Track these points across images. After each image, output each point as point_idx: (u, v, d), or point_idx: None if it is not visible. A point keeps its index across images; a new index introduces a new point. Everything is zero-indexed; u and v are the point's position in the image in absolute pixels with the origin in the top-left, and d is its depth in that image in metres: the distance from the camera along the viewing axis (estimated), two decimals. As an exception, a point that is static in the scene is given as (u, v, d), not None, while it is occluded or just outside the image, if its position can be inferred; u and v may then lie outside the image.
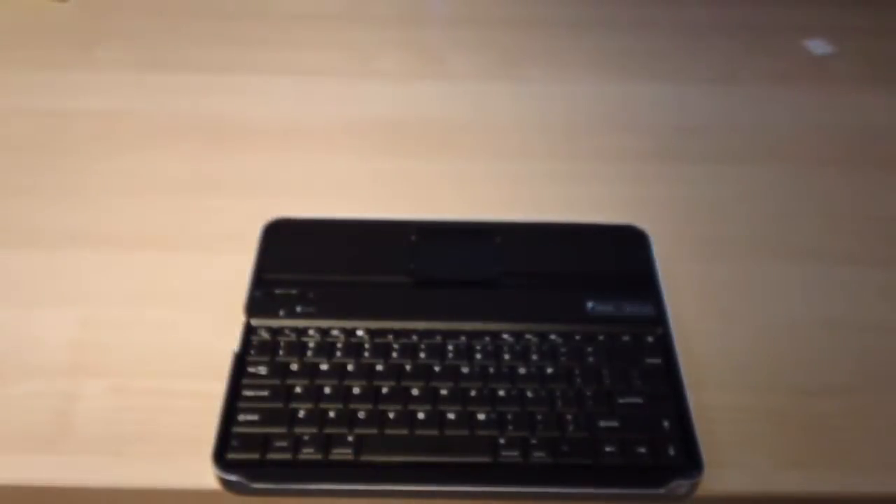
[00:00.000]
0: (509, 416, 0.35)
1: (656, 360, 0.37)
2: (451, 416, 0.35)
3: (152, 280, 0.42)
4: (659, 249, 0.43)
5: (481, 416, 0.35)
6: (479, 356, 0.37)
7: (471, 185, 0.49)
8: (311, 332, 0.38)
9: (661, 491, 0.33)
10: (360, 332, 0.38)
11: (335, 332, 0.38)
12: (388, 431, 0.34)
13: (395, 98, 0.55)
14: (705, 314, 0.42)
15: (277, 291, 0.39)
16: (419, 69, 0.58)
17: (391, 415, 0.35)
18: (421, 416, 0.35)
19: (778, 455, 0.36)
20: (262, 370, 0.36)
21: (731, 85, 0.58)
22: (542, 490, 0.34)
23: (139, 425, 0.35)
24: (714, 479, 0.34)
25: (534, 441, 0.34)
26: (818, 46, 0.62)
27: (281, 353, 0.37)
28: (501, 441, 0.34)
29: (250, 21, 0.61)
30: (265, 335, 0.38)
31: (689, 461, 0.34)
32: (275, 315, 0.38)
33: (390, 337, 0.38)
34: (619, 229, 0.44)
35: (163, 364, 0.38)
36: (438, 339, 0.38)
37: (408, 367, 0.37)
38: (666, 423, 0.35)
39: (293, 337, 0.37)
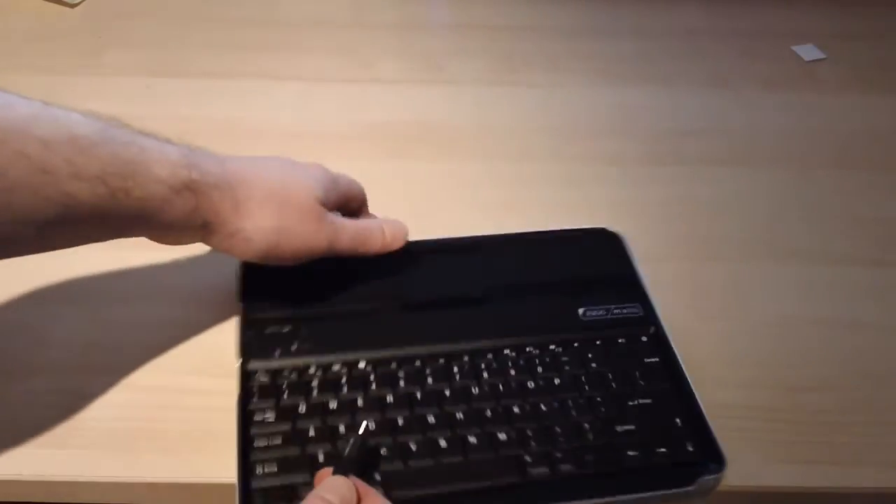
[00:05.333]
0: (529, 432, 0.34)
1: (654, 360, 0.37)
2: (472, 439, 0.34)
3: (160, 279, 0.42)
4: (653, 250, 0.44)
5: (502, 436, 0.34)
6: (486, 375, 0.36)
7: (471, 188, 0.49)
8: (311, 369, 0.36)
9: (692, 488, 0.33)
10: (361, 365, 0.36)
11: (336, 367, 0.36)
12: (413, 464, 0.33)
13: (396, 103, 0.56)
14: (699, 313, 0.42)
15: (268, 331, 0.37)
16: (420, 75, 0.59)
17: (413, 446, 0.34)
18: (443, 443, 0.34)
19: (769, 451, 0.36)
20: (270, 416, 0.34)
21: (724, 89, 0.59)
22: (579, 503, 0.33)
23: (147, 422, 0.36)
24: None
25: (558, 454, 0.34)
26: (808, 52, 0.63)
27: (285, 395, 0.35)
28: (527, 458, 0.33)
29: (255, 28, 0.62)
30: (264, 378, 0.36)
31: (710, 455, 0.34)
32: (270, 356, 0.36)
33: (393, 365, 0.36)
34: (591, 233, 0.44)
35: (170, 361, 0.38)
36: (442, 362, 0.37)
37: (418, 395, 0.35)
38: (678, 420, 0.35)
39: (294, 377, 0.36)
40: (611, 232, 0.44)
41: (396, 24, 0.64)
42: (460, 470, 0.33)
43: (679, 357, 0.38)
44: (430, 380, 0.36)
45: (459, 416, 0.35)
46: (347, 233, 0.37)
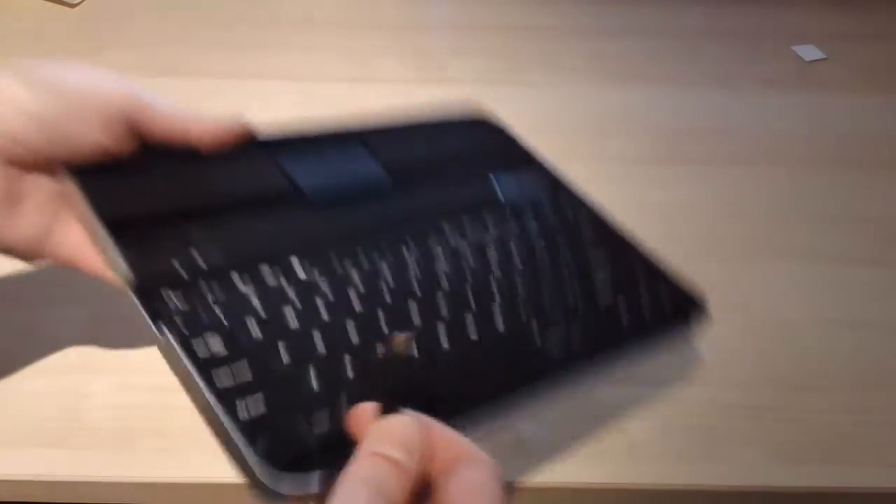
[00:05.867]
0: (521, 307, 0.31)
1: (587, 223, 0.37)
2: (470, 324, 0.29)
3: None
4: (653, 248, 0.44)
5: (498, 317, 0.30)
6: (441, 256, 0.32)
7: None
8: (236, 281, 0.27)
9: (690, 327, 0.33)
10: (298, 268, 0.29)
11: (269, 276, 0.28)
12: (425, 362, 0.27)
13: (396, 103, 0.56)
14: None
15: (148, 238, 0.28)
16: (420, 74, 0.58)
17: (414, 344, 0.28)
18: (443, 337, 0.28)
19: (769, 451, 0.36)
20: (217, 346, 0.25)
21: (725, 89, 0.59)
22: (597, 366, 0.30)
23: (147, 421, 0.36)
24: (706, 474, 0.35)
25: (564, 323, 0.31)
26: (808, 52, 0.63)
27: (222, 317, 0.26)
28: (537, 336, 0.30)
29: (254, 27, 0.62)
30: (178, 300, 0.26)
31: (687, 296, 0.34)
32: (170, 269, 0.27)
33: (335, 262, 0.30)
34: (464, 116, 0.42)
35: (170, 361, 0.39)
36: (388, 250, 0.31)
37: (385, 290, 0.29)
38: (640, 276, 0.34)
39: (219, 292, 0.27)
40: (481, 112, 0.42)
41: (396, 24, 0.64)
42: (473, 361, 0.28)
43: (606, 216, 0.37)
44: (387, 271, 0.30)
45: (442, 305, 0.30)
46: (156, 97, 0.30)
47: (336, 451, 0.23)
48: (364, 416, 0.22)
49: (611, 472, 0.35)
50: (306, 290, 0.29)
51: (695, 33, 0.64)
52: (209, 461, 0.34)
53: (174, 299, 0.27)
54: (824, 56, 0.62)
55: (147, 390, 0.37)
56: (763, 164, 0.52)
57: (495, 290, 0.31)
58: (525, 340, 0.30)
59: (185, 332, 0.26)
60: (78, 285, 0.42)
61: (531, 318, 0.30)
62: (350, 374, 0.26)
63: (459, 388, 0.27)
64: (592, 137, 0.54)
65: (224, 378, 0.25)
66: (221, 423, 0.24)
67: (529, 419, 0.36)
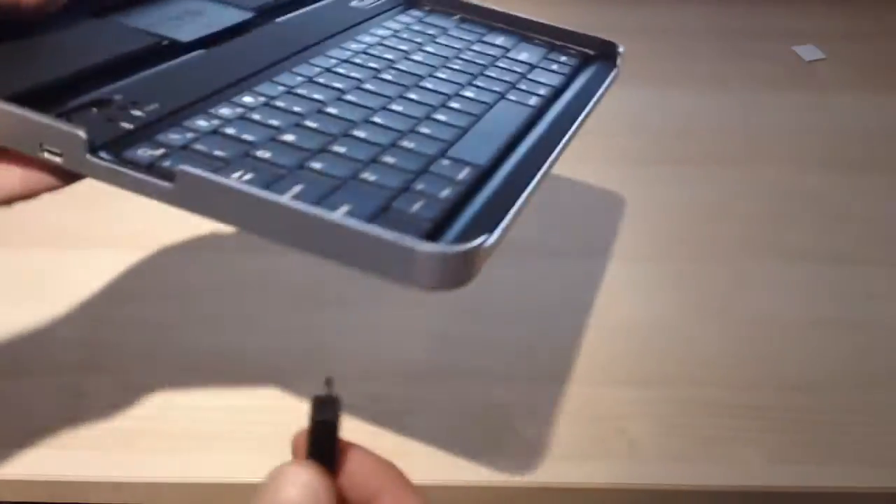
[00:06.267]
0: (480, 84, 0.33)
1: (469, 14, 0.40)
2: (454, 106, 0.31)
3: (160, 278, 0.42)
4: (653, 249, 0.44)
5: (469, 94, 0.32)
6: (371, 64, 0.32)
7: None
8: (200, 122, 0.25)
9: (615, 66, 0.39)
10: (249, 99, 0.27)
11: (226, 111, 0.26)
12: (451, 134, 0.28)
13: None
14: (696, 312, 0.42)
15: (76, 105, 0.25)
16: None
17: (425, 132, 0.28)
18: (441, 116, 0.30)
19: (769, 451, 0.36)
20: (247, 177, 0.23)
21: (724, 89, 0.59)
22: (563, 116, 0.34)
23: (147, 421, 0.36)
24: (706, 474, 0.35)
25: (529, 76, 0.35)
26: (808, 52, 0.63)
27: (220, 152, 0.24)
28: (512, 101, 0.32)
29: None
30: (153, 151, 0.23)
31: (601, 42, 0.39)
32: (125, 130, 0.24)
33: (281, 90, 0.29)
34: None
35: (170, 361, 0.38)
36: (318, 71, 0.31)
37: (349, 96, 0.29)
38: (550, 38, 0.39)
39: (200, 140, 0.24)
40: None
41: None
42: (475, 131, 0.29)
43: (485, 4, 0.39)
44: (338, 85, 0.30)
45: (414, 96, 0.31)
46: None
47: (459, 212, 0.23)
48: (298, 446, 0.21)
49: (611, 472, 0.35)
50: (279, 111, 0.27)
51: (695, 33, 0.64)
52: (209, 461, 0.34)
53: (147, 152, 0.23)
54: (824, 56, 0.62)
55: (147, 391, 0.37)
56: (763, 164, 0.52)
57: (448, 80, 0.33)
58: (506, 112, 0.32)
59: (215, 171, 0.22)
60: (79, 285, 0.42)
61: (496, 91, 0.33)
62: (405, 161, 0.25)
63: (482, 156, 0.28)
64: (592, 137, 0.54)
65: (301, 195, 0.22)
66: (341, 235, 0.21)
67: (529, 419, 0.37)
